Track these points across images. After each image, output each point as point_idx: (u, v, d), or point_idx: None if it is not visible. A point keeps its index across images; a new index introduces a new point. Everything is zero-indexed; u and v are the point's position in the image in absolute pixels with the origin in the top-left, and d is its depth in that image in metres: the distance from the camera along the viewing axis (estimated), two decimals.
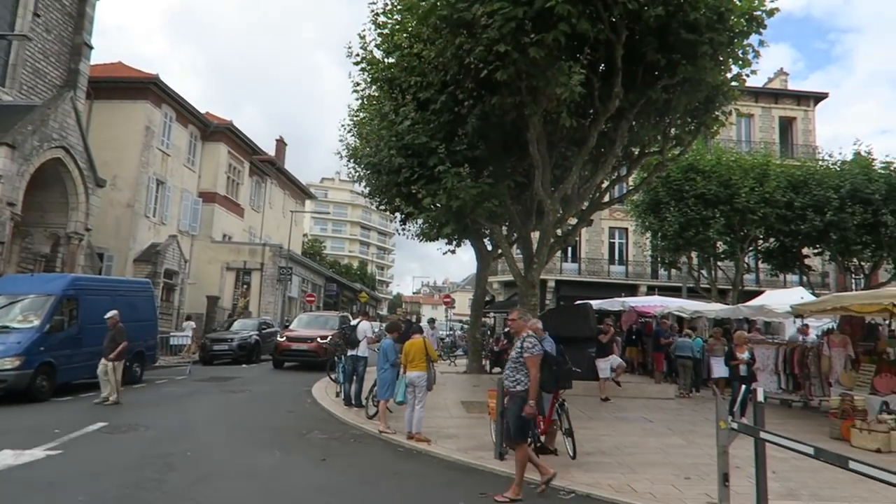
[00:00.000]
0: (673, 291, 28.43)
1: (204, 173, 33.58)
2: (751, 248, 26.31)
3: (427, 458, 8.66)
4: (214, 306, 31.10)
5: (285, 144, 46.13)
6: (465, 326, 37.48)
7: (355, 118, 15.73)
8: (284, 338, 20.92)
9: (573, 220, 14.04)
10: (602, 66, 11.23)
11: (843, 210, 22.42)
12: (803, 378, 14.09)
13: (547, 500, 6.82)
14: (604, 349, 14.00)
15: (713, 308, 18.78)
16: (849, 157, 24.64)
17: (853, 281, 27.91)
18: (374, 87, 13.96)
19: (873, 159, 23.78)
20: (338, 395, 13.39)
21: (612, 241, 35.73)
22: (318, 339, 19.87)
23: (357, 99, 14.63)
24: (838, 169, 24.03)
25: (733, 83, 11.73)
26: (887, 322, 13.54)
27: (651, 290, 31.96)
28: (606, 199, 14.39)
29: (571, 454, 8.24)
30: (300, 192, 48.89)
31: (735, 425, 6.36)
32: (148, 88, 28.09)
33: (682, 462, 8.59)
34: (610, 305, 23.10)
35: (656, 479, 7.63)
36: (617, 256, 35.66)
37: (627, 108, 11.44)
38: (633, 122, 12.30)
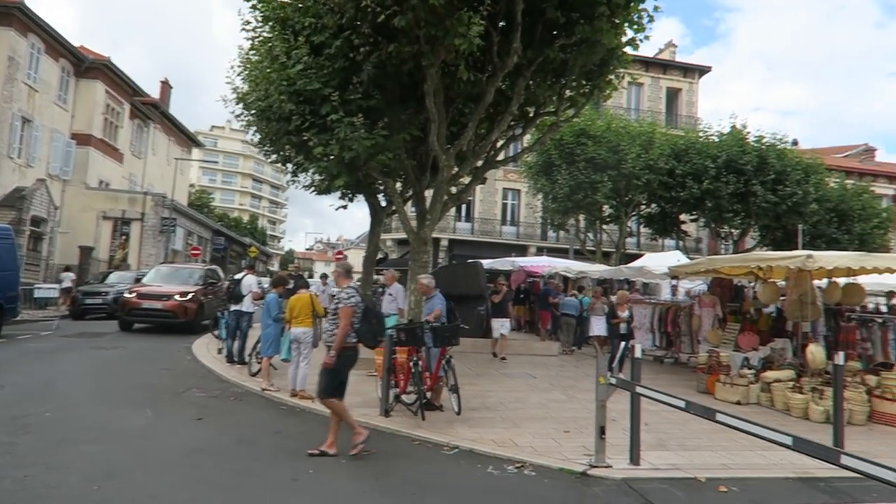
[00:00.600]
0: (561, 253, 29.36)
1: (78, 113, 30.83)
2: (634, 213, 27.50)
3: (310, 416, 8.44)
4: (89, 258, 28.98)
5: (170, 87, 43.18)
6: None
7: (245, 60, 14.79)
8: (134, 294, 17.04)
9: (468, 178, 13.97)
10: (502, 22, 11.06)
11: (719, 179, 23.79)
12: (675, 336, 14.95)
13: (434, 454, 6.81)
14: (499, 309, 14.11)
15: (597, 269, 19.52)
16: (726, 129, 26.08)
17: (723, 246, 29.89)
18: (265, 28, 13.10)
19: (748, 133, 25.30)
20: (220, 351, 12.83)
21: (505, 201, 36.28)
22: (178, 297, 16.74)
23: (248, 39, 13.71)
24: (716, 140, 25.39)
25: (628, 47, 11.93)
26: (752, 284, 14.53)
27: (540, 251, 32.82)
28: (501, 157, 14.41)
29: (456, 410, 8.28)
30: (187, 139, 46.12)
31: (613, 381, 6.56)
32: (11, 14, 25.20)
33: (563, 416, 8.86)
34: (500, 265, 23.53)
35: (538, 433, 7.80)
36: (509, 217, 36.31)
37: (525, 65, 11.38)
38: (530, 81, 12.29)
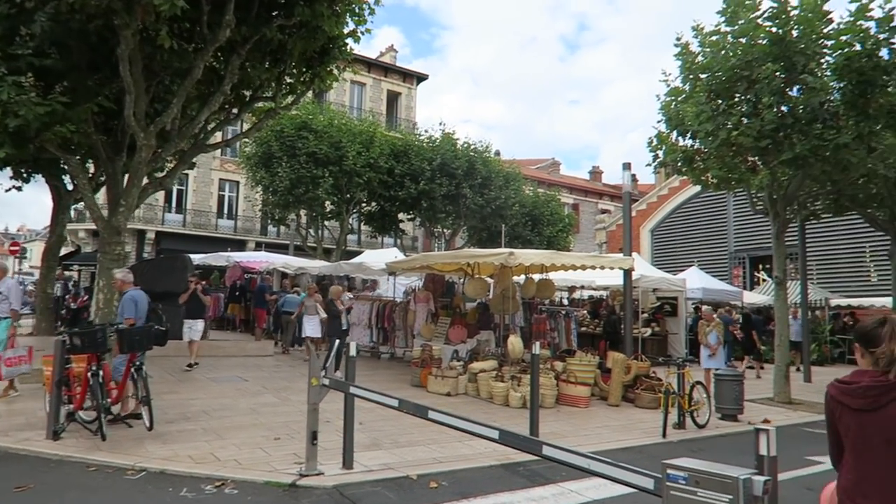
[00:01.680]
0: (281, 248, 28.46)
1: None
2: (355, 210, 27.72)
3: None
4: None
5: None
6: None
7: None
8: None
9: (174, 162, 12.49)
10: None
11: (433, 181, 25.05)
12: (391, 331, 15.19)
13: (113, 481, 5.68)
14: (190, 309, 12.30)
15: (316, 265, 19.13)
16: (439, 134, 27.61)
17: (436, 245, 31.71)
18: None
19: (457, 139, 27.08)
20: None
21: (221, 193, 34.07)
22: None
23: None
24: (432, 145, 26.73)
25: (349, 39, 11.68)
26: (462, 280, 15.36)
27: (259, 247, 31.46)
28: (212, 141, 13.17)
29: (148, 425, 7.14)
30: None
31: (327, 381, 6.13)
32: None
33: (274, 422, 8.22)
34: (214, 260, 21.90)
35: (244, 444, 7.07)
36: (226, 210, 34.19)
37: (240, 42, 10.45)
38: (246, 62, 11.37)
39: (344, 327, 12.70)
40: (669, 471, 2.98)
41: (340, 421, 6.44)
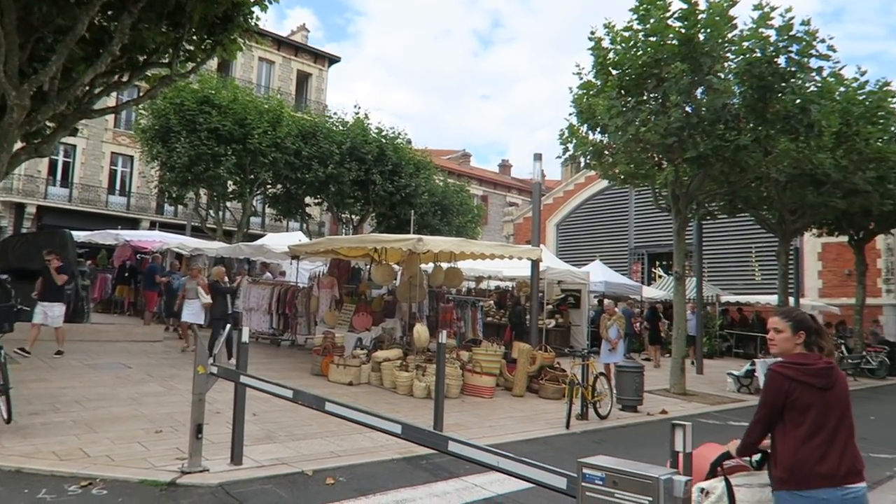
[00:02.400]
0: (178, 229, 26.92)
1: None
2: (259, 192, 26.62)
3: None
4: None
5: None
6: None
7: None
8: None
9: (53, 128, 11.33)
10: None
11: (343, 165, 24.36)
12: (293, 317, 14.58)
13: None
14: (51, 290, 10.53)
15: (214, 246, 18.14)
16: (350, 118, 26.93)
17: (343, 231, 30.97)
18: None
19: (369, 124, 26.50)
20: None
21: (114, 167, 31.87)
22: None
23: None
24: (342, 128, 26.01)
25: (255, 7, 10.95)
26: (368, 266, 14.94)
27: (154, 226, 29.67)
28: (100, 106, 12.05)
29: (5, 417, 6.35)
30: None
31: (215, 370, 5.61)
32: None
33: (157, 413, 7.56)
34: (102, 238, 20.40)
35: (120, 438, 6.42)
36: (118, 186, 32.03)
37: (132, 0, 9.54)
38: (140, 23, 10.42)
39: (230, 311, 11.97)
40: (585, 470, 2.76)
41: (232, 412, 5.94)
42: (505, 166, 53.79)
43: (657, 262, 30.88)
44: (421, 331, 10.77)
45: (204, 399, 5.63)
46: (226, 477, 5.43)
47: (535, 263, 12.42)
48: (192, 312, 12.03)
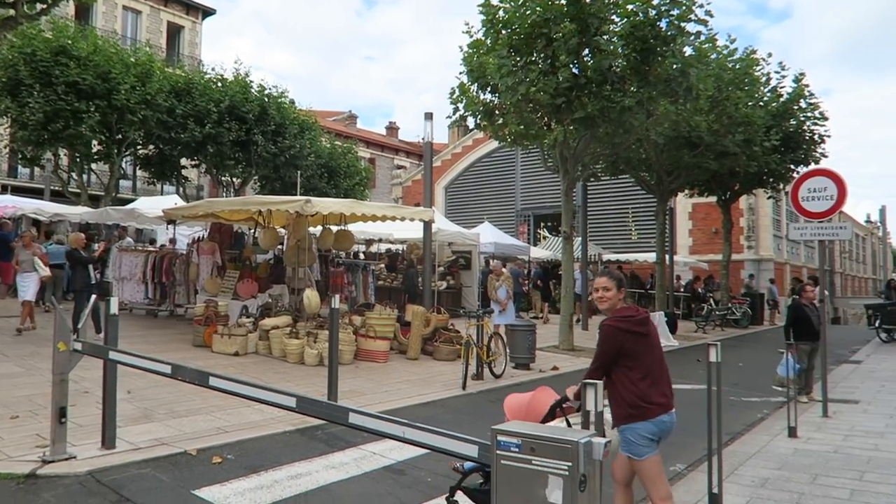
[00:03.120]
0: (36, 193, 24.50)
1: None
2: (128, 153, 24.63)
3: None
4: None
5: None
6: None
7: None
8: None
9: None
10: None
11: (221, 125, 22.94)
12: (171, 286, 13.65)
13: None
14: None
15: (77, 211, 16.58)
16: (230, 75, 25.33)
17: (224, 195, 29.41)
18: None
19: (251, 82, 25.07)
20: None
21: None
22: None
23: None
24: (220, 86, 24.42)
25: None
26: (252, 231, 14.20)
27: (5, 190, 26.82)
28: None
29: None
30: None
31: (79, 346, 5.01)
32: None
33: (13, 397, 6.76)
34: None
35: None
36: None
37: None
38: None
39: (94, 281, 10.92)
40: (500, 437, 2.58)
41: (102, 391, 5.36)
42: (392, 128, 53.08)
43: (542, 224, 31.71)
44: (311, 296, 10.33)
45: (67, 379, 5.03)
46: (96, 463, 4.90)
47: (428, 225, 12.24)
48: (25, 287, 10.60)
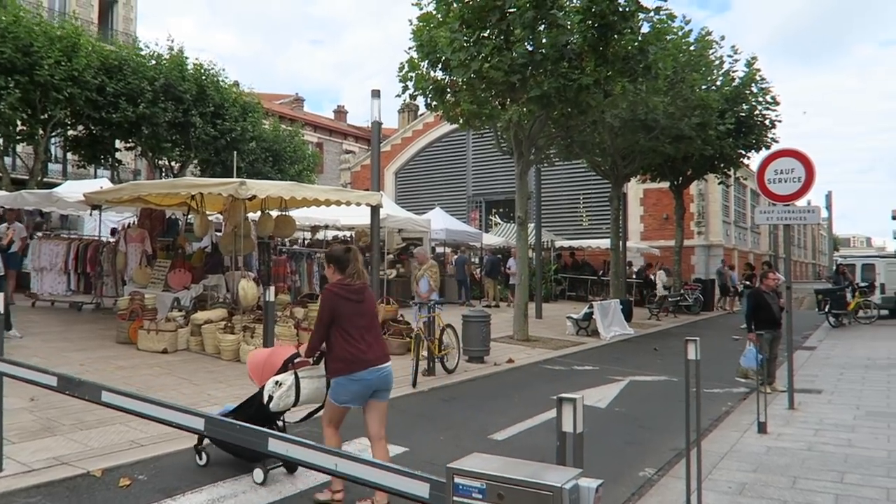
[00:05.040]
0: None
1: None
2: (55, 133, 23.03)
3: None
4: None
5: None
6: None
7: None
8: None
9: None
10: None
11: (156, 104, 21.63)
12: (97, 277, 12.59)
13: None
14: None
15: None
16: (165, 53, 23.91)
17: (161, 178, 27.97)
18: None
19: (186, 58, 23.72)
20: None
21: None
22: None
23: None
24: (154, 63, 23.00)
25: None
26: (188, 217, 13.21)
27: None
28: None
29: None
30: None
31: None
32: None
33: None
34: None
35: None
36: None
37: None
38: None
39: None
40: (458, 479, 1.98)
41: None
42: (340, 112, 51.79)
43: (494, 210, 31.27)
44: (247, 287, 9.50)
45: None
46: None
47: (376, 210, 11.52)
48: None
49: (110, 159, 25.03)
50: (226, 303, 10.59)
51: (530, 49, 10.82)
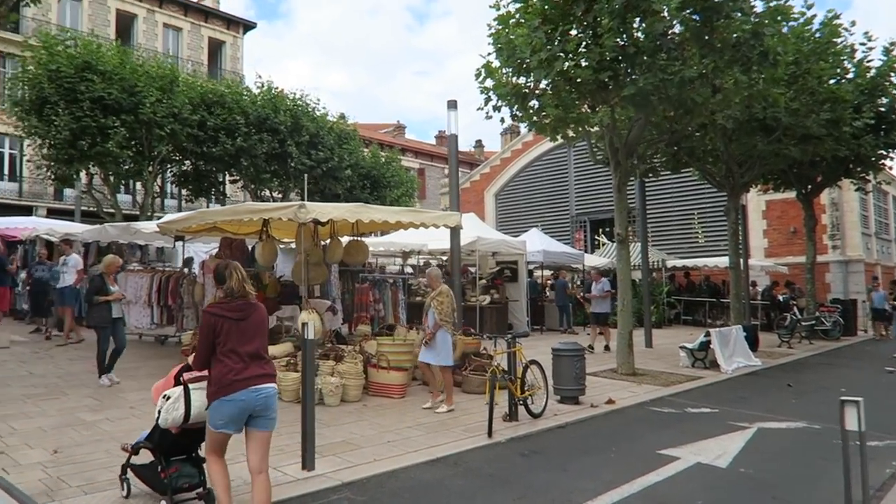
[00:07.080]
0: (70, 215, 24.02)
1: None
2: (162, 170, 23.91)
3: None
4: None
5: None
6: None
7: None
8: None
9: None
10: None
11: (252, 137, 21.97)
12: (178, 310, 12.34)
13: None
14: None
15: (81, 229, 15.62)
16: (258, 89, 24.36)
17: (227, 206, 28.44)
18: None
19: (280, 90, 24.02)
20: None
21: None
22: None
23: None
24: (247, 98, 23.43)
25: None
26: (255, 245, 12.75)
27: (52, 214, 26.59)
28: None
29: None
30: None
31: None
32: None
33: None
34: None
35: None
36: (7, 170, 28.68)
37: None
38: None
39: (116, 315, 8.74)
40: None
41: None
42: (442, 137, 51.56)
43: (600, 229, 29.50)
44: (311, 319, 8.69)
45: None
46: None
47: (455, 231, 10.52)
48: None
49: (216, 192, 25.76)
50: (295, 337, 9.88)
51: (622, 43, 9.49)
